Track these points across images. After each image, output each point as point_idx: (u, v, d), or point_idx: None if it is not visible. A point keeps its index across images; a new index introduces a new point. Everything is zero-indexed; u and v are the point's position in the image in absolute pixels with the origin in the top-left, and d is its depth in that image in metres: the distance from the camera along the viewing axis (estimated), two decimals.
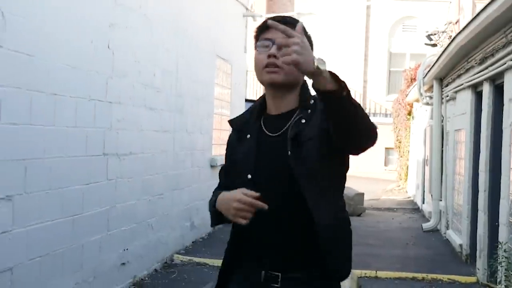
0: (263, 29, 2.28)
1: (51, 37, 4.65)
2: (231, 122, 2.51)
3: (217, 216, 2.31)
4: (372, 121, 2.04)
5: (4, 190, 4.07)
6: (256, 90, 18.85)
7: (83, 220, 5.22)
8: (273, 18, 2.16)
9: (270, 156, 2.27)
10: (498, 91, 6.82)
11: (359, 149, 2.11)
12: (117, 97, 5.85)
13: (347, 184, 2.52)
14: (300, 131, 2.20)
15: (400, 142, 19.14)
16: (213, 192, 2.44)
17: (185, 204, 8.12)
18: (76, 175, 5.10)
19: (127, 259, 6.17)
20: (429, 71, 10.85)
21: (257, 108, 2.39)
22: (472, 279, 7.14)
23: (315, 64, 1.89)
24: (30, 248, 4.41)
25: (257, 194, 2.11)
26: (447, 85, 10.31)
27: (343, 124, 1.98)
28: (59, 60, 4.77)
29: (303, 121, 2.23)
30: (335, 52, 23.94)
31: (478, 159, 7.94)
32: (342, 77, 1.95)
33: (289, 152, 2.19)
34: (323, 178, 2.20)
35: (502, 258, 5.69)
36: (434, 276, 7.26)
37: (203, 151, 8.92)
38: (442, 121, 10.71)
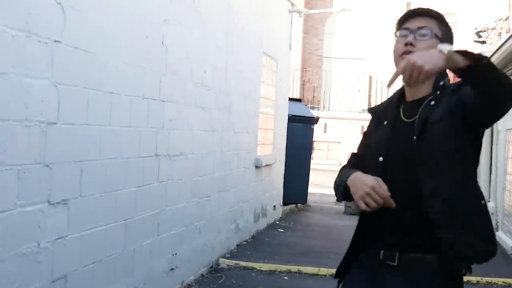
0: (403, 19, 2.43)
1: (107, 32, 4.42)
2: (370, 110, 2.62)
3: (345, 192, 2.37)
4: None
5: (60, 194, 3.85)
6: (295, 89, 18.56)
7: (135, 223, 5.00)
8: (410, 10, 2.41)
9: (402, 140, 2.34)
10: None
11: (499, 112, 2.16)
12: (169, 96, 5.62)
13: None
14: (428, 115, 2.27)
15: None
16: (340, 170, 2.55)
17: (230, 206, 7.88)
18: (129, 177, 4.88)
19: (175, 264, 5.94)
20: None
21: (397, 96, 2.49)
22: None
23: (442, 52, 1.98)
24: (84, 254, 4.19)
25: (389, 193, 2.20)
26: None
27: (487, 93, 2.03)
28: (115, 56, 4.55)
29: (432, 103, 2.30)
30: (375, 50, 23.54)
31: None
32: (472, 50, 1.98)
33: (415, 137, 2.26)
34: (450, 162, 2.23)
35: None
36: (488, 279, 6.96)
37: (249, 151, 8.68)
38: None
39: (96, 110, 4.29)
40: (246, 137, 8.52)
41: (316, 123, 12.85)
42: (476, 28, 13.39)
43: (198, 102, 6.42)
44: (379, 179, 2.23)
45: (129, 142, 4.84)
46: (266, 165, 9.61)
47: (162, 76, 5.44)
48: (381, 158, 2.35)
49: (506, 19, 11.91)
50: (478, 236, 2.24)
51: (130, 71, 4.80)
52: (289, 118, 11.55)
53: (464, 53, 1.96)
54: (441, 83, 2.32)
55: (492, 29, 12.68)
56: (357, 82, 23.88)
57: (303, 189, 12.37)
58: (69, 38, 3.88)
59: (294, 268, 7.23)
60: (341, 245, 9.44)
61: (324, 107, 22.74)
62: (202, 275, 6.74)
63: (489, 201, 10.10)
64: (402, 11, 24.49)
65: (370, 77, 23.63)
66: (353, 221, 12.27)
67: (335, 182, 2.51)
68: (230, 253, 7.80)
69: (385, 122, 2.44)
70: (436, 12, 2.41)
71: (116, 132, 4.61)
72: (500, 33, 12.27)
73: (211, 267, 7.06)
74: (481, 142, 2.37)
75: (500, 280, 6.94)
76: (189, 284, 6.30)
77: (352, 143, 22.93)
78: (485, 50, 12.02)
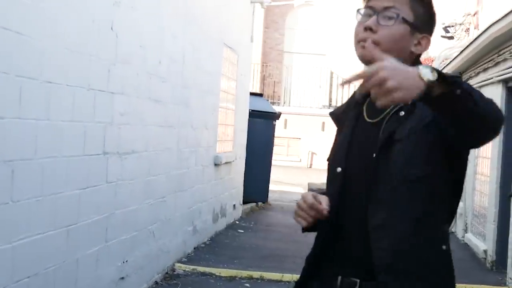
0: None
1: (46, 12, 3.86)
2: (332, 114, 2.13)
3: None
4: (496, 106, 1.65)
5: None
6: (256, 84, 18.13)
7: (79, 230, 4.44)
8: None
9: (363, 147, 1.90)
10: None
11: (480, 143, 1.77)
12: (120, 87, 5.08)
13: None
14: (395, 129, 1.81)
15: None
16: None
17: (187, 206, 7.35)
18: (72, 178, 4.32)
19: (126, 272, 5.40)
20: (448, 64, 10.17)
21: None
22: None
23: (421, 78, 1.50)
24: (16, 268, 3.63)
25: (326, 207, 1.84)
26: (467, 80, 9.62)
27: (461, 122, 1.62)
28: (55, 41, 3.99)
29: (402, 113, 1.83)
30: (336, 45, 23.23)
31: (510, 160, 7.39)
32: (449, 72, 1.45)
33: (374, 155, 1.82)
34: (411, 193, 1.78)
35: None
36: (462, 286, 6.59)
37: (208, 148, 8.16)
38: None
39: (31, 101, 3.73)
40: (205, 133, 8.00)
41: (278, 119, 12.41)
42: (444, 23, 13.13)
43: (152, 95, 5.88)
44: (313, 193, 1.90)
45: (71, 138, 4.29)
46: (226, 163, 9.10)
47: (112, 66, 4.90)
48: (339, 169, 1.93)
49: (474, 15, 11.68)
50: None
51: (73, 58, 4.24)
52: (250, 113, 11.07)
53: (443, 76, 1.54)
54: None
55: (460, 24, 12.44)
56: (318, 78, 23.58)
57: (263, 187, 11.92)
58: None
59: (256, 274, 6.76)
60: (305, 248, 8.97)
61: (284, 102, 22.36)
62: (156, 282, 6.21)
63: None
64: (361, 6, 24.20)
65: (331, 73, 23.34)
66: None
67: None
68: (187, 257, 7.28)
69: (346, 124, 2.01)
70: None
71: (56, 128, 4.05)
72: (468, 28, 12.04)
73: (166, 273, 6.53)
74: (464, 169, 1.90)
75: (474, 287, 6.60)
76: None
77: (312, 140, 22.69)
78: (452, 46, 11.76)
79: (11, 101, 3.52)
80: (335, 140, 2.07)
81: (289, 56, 24.20)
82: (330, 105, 23.46)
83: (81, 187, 4.45)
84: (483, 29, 7.45)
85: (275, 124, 12.30)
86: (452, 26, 12.76)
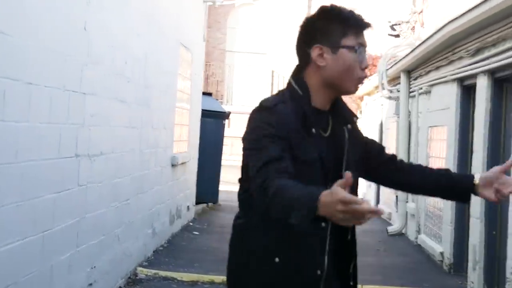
0: (361, 27, 2.12)
1: (28, 11, 3.72)
2: (281, 106, 2.08)
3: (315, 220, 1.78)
4: None
5: None
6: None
7: (54, 235, 4.30)
8: (362, 18, 2.13)
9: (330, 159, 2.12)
10: (498, 85, 6.28)
11: None
12: (91, 88, 4.94)
13: None
14: (349, 153, 2.17)
15: None
16: (276, 175, 1.91)
17: (148, 209, 7.23)
18: (49, 182, 4.18)
19: (94, 278, 5.26)
20: (396, 63, 10.29)
21: (305, 101, 2.11)
22: None
23: None
24: None
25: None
26: (416, 78, 9.77)
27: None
28: (36, 40, 3.85)
29: (346, 136, 2.19)
30: (275, 44, 23.33)
31: (465, 159, 7.40)
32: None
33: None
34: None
35: None
36: None
37: (166, 148, 8.04)
38: (409, 117, 10.16)
39: (14, 103, 3.59)
40: (163, 133, 7.89)
41: (227, 118, 12.37)
42: (390, 22, 13.29)
43: (119, 95, 5.76)
44: (344, 192, 1.77)
45: (49, 141, 4.15)
46: (182, 163, 9.00)
47: (84, 66, 4.76)
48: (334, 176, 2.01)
49: (420, 13, 11.85)
50: None
51: (51, 58, 4.11)
52: (201, 113, 10.98)
53: None
54: (354, 119, 2.26)
55: (406, 22, 12.59)
56: (259, 77, 23.63)
57: (214, 187, 11.84)
58: None
59: (217, 278, 6.67)
60: None
61: (227, 101, 22.29)
62: (120, 287, 6.08)
63: (407, 202, 9.95)
64: (304, 5, 24.40)
65: (272, 72, 23.41)
66: None
67: (296, 206, 1.82)
68: (148, 261, 7.16)
69: (313, 130, 2.09)
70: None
71: (35, 130, 3.92)
72: (414, 26, 12.20)
73: (129, 277, 6.39)
74: None
75: None
76: None
77: None
78: (398, 44, 11.92)
79: None
80: (297, 137, 2.06)
81: (231, 55, 24.15)
82: None
83: (56, 190, 4.31)
84: (439, 27, 7.42)
85: (224, 124, 12.25)
86: (399, 24, 12.92)
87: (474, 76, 6.77)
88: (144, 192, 6.99)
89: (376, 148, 2.40)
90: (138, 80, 6.50)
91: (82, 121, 4.80)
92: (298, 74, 2.19)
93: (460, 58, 7.25)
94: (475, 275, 6.43)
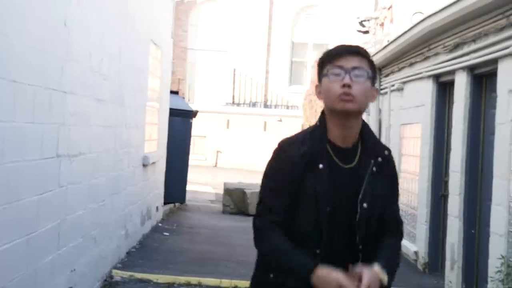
0: (333, 55, 2.30)
1: (9, 7, 3.58)
2: (293, 147, 2.35)
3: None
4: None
5: None
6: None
7: (37, 238, 4.17)
8: (342, 46, 2.32)
9: (345, 190, 2.31)
10: (477, 81, 6.29)
11: None
12: (70, 86, 4.80)
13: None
14: (374, 186, 2.33)
15: None
16: (269, 229, 2.32)
17: (121, 209, 7.08)
18: (32, 183, 4.04)
19: (74, 281, 5.11)
20: None
21: (319, 135, 2.35)
22: None
23: (380, 279, 2.31)
24: None
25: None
26: (387, 75, 9.72)
27: None
28: (21, 38, 3.71)
29: (374, 169, 2.35)
30: (237, 41, 23.25)
31: (441, 156, 7.40)
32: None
33: (365, 204, 2.32)
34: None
35: (502, 273, 5.06)
36: None
37: (137, 148, 7.90)
38: (379, 114, 10.13)
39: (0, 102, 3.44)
40: (135, 132, 7.74)
41: (195, 117, 12.23)
42: (359, 18, 13.27)
43: (96, 93, 5.62)
44: (343, 276, 2.15)
45: (32, 141, 4.02)
46: (152, 163, 8.86)
47: (64, 63, 4.62)
48: (328, 208, 2.27)
49: (389, 8, 11.83)
50: None
51: (33, 56, 3.97)
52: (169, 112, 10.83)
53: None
54: (386, 152, 2.42)
55: (375, 18, 12.56)
56: (221, 75, 23.53)
57: (182, 187, 11.70)
58: None
59: (194, 279, 6.59)
60: (232, 250, 8.79)
61: (189, 99, 22.10)
62: None
63: None
64: (266, 2, 24.29)
65: (234, 70, 23.33)
66: (234, 221, 11.58)
67: (282, 264, 2.30)
68: (122, 263, 7.01)
69: (320, 166, 2.30)
70: (365, 51, 2.34)
71: (20, 130, 3.78)
72: (383, 22, 12.18)
73: (105, 280, 6.25)
74: None
75: None
76: None
77: (218, 137, 22.57)
78: (367, 41, 11.95)
79: None
80: (302, 175, 2.29)
81: (192, 53, 23.98)
82: (233, 102, 23.45)
83: (39, 192, 4.18)
84: (416, 22, 7.31)
85: (191, 123, 12.11)
86: (367, 20, 12.91)
87: (452, 72, 6.73)
88: (118, 192, 6.84)
89: (387, 208, 2.45)
90: (114, 79, 6.36)
91: (63, 121, 4.66)
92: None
93: (437, 54, 7.17)
94: (453, 275, 6.44)
